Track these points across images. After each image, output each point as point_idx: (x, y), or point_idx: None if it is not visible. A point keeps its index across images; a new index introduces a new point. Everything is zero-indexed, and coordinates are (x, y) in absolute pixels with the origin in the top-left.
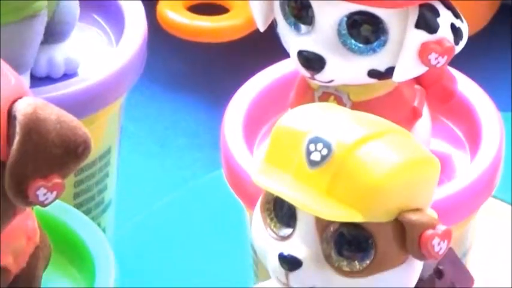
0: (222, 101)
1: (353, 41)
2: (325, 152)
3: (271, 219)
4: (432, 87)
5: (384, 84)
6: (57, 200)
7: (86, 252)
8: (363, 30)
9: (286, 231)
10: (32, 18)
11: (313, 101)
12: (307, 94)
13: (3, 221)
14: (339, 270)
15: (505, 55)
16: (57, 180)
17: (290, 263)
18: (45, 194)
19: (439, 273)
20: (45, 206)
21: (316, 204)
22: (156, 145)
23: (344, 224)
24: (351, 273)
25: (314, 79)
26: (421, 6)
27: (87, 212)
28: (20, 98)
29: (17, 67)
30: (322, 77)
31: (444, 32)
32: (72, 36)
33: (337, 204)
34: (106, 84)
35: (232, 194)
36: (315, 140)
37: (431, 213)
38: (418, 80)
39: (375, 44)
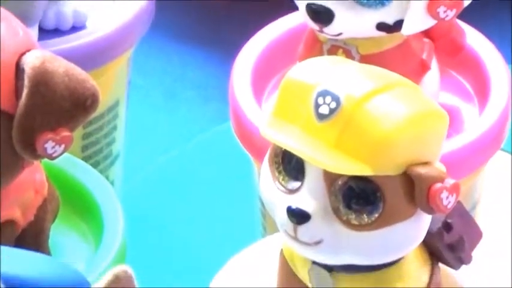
0: (231, 54)
1: None
2: (333, 105)
3: (280, 173)
4: (441, 40)
5: (393, 38)
6: (65, 153)
7: (94, 205)
8: None
9: (295, 184)
10: None
11: (321, 54)
12: (315, 47)
13: (11, 174)
14: (348, 223)
15: None
16: (65, 133)
17: (298, 216)
18: (53, 147)
19: (447, 226)
20: (53, 159)
21: (325, 157)
22: (164, 98)
23: (352, 178)
24: (360, 227)
25: (322, 32)
26: None
27: (95, 165)
28: (28, 50)
29: (25, 20)
30: (331, 30)
31: None
32: None
33: (345, 157)
34: (114, 36)
35: (240, 147)
36: (324, 93)
37: (439, 167)
38: (426, 33)
39: None
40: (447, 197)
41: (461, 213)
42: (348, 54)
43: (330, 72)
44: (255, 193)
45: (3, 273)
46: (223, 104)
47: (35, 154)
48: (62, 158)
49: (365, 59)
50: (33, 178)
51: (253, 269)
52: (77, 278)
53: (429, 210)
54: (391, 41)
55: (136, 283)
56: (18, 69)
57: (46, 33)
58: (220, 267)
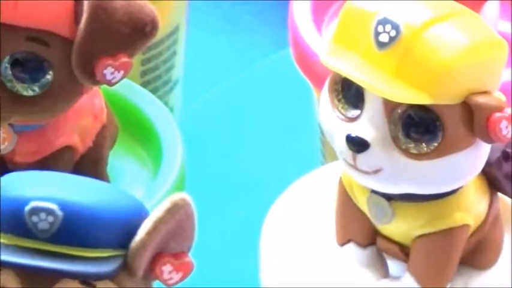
0: None
1: None
2: (393, 33)
3: (339, 100)
4: None
5: None
6: (124, 79)
7: (153, 131)
8: None
9: (354, 112)
10: None
11: None
12: None
13: (70, 99)
14: (406, 152)
15: None
16: (124, 59)
17: (357, 144)
18: (112, 73)
19: (506, 156)
20: (112, 84)
21: (384, 85)
22: (223, 23)
23: (412, 106)
24: (418, 156)
25: None
26: None
27: (154, 91)
28: None
29: None
30: None
31: None
32: None
33: (405, 86)
34: None
35: (299, 73)
36: (384, 21)
37: (499, 96)
38: None
39: None
40: (506, 127)
41: None
42: None
43: (390, 0)
44: (314, 120)
45: (61, 199)
46: (283, 30)
47: (94, 80)
48: (121, 84)
49: None
50: (92, 104)
51: (312, 197)
52: (135, 205)
53: (488, 139)
54: None
55: (194, 211)
56: None
57: None
58: (279, 194)
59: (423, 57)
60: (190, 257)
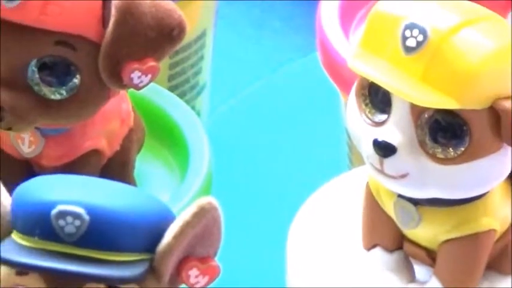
0: None
1: None
2: (420, 38)
3: (366, 105)
4: None
5: None
6: (151, 83)
7: (180, 135)
8: None
9: (381, 117)
10: None
11: None
12: None
13: (97, 103)
14: (433, 157)
15: None
16: (151, 63)
17: (384, 149)
18: (139, 77)
19: None
20: (139, 88)
21: (412, 90)
22: (251, 27)
23: (439, 111)
24: (445, 160)
25: None
26: None
27: (181, 95)
28: None
29: None
30: None
31: None
32: None
33: (432, 90)
34: None
35: (327, 78)
36: (411, 26)
37: None
38: None
39: None
40: None
41: None
42: None
43: (417, 5)
44: (341, 125)
45: (88, 203)
46: (311, 35)
47: (121, 84)
48: (148, 88)
49: None
50: (119, 108)
51: (338, 201)
52: (161, 208)
53: None
54: None
55: (221, 215)
56: None
57: None
58: (306, 198)
59: (450, 62)
60: (217, 261)
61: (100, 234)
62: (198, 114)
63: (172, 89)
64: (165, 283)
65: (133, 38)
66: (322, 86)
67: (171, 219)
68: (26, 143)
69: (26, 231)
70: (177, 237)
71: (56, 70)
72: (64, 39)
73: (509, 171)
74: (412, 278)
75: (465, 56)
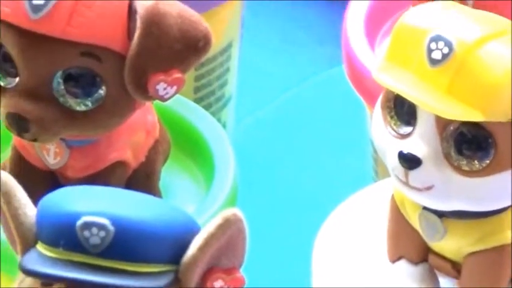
0: None
1: None
2: (446, 50)
3: (392, 117)
4: None
5: None
6: (177, 95)
7: (205, 147)
8: None
9: (406, 129)
10: None
11: None
12: None
13: (123, 115)
14: (458, 169)
15: None
16: (177, 74)
17: (410, 161)
18: (165, 89)
19: None
20: (165, 100)
21: (437, 102)
22: (277, 40)
23: (464, 123)
24: (470, 173)
25: None
26: None
27: (207, 107)
28: None
29: None
30: None
31: None
32: None
33: (457, 103)
34: None
35: (352, 90)
36: (437, 38)
37: None
38: None
39: None
40: None
41: None
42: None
43: (443, 17)
44: (366, 137)
45: (113, 214)
46: (336, 48)
47: (147, 95)
48: (174, 100)
49: (478, 5)
50: (144, 119)
51: (364, 213)
52: (187, 220)
53: None
54: None
55: (246, 226)
56: (131, 10)
57: None
58: (331, 210)
59: (476, 74)
60: (242, 272)
61: (125, 245)
62: (224, 126)
63: (198, 101)
64: None
65: (159, 50)
66: (348, 99)
67: (196, 230)
68: (51, 154)
69: (51, 242)
70: (202, 248)
71: (82, 81)
72: (90, 51)
73: None
74: None
75: (491, 68)
